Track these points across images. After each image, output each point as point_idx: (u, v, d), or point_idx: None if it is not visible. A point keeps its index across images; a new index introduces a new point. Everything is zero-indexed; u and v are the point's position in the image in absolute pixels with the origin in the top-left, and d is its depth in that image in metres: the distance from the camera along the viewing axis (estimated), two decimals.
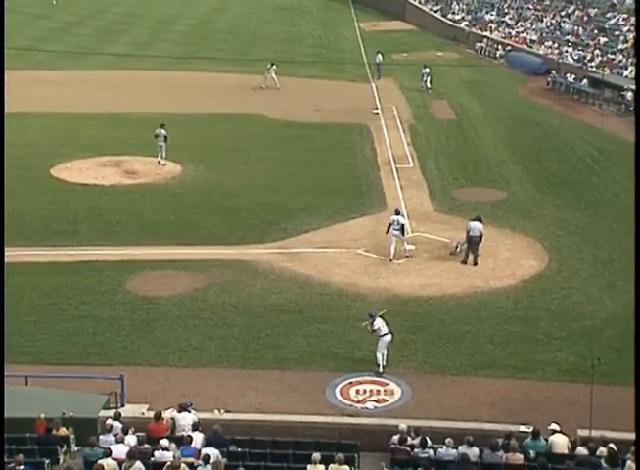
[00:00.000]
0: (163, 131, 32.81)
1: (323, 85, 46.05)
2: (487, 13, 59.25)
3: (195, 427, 15.38)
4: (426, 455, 14.79)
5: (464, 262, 24.69)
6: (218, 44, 57.20)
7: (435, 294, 23.05)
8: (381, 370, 19.31)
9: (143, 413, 16.86)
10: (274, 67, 45.53)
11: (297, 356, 20.08)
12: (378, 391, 18.76)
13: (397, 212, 25.67)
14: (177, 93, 43.37)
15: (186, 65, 49.54)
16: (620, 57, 45.10)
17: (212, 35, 61.05)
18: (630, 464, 14.25)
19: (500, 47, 52.88)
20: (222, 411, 17.12)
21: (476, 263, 24.61)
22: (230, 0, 76.31)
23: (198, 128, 37.92)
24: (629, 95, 40.11)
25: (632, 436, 15.22)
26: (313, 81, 46.77)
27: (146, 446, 14.74)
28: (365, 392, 18.74)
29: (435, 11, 63.06)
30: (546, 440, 15.28)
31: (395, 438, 15.33)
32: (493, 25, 56.56)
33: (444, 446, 14.92)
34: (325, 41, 58.99)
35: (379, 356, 19.37)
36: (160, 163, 32.87)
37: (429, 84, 44.78)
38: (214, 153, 34.64)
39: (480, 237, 24.71)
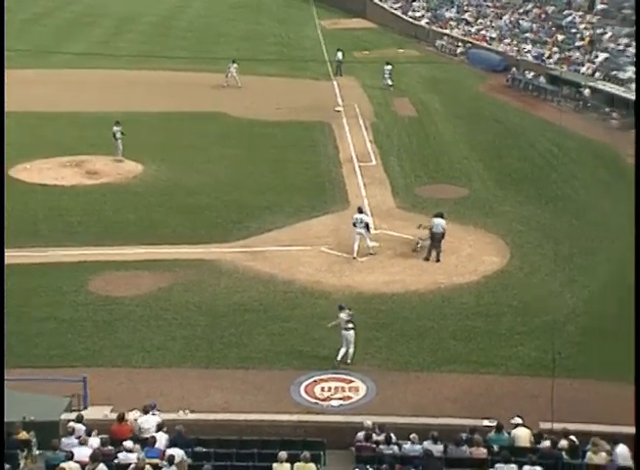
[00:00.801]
0: (115, 128, 32.73)
1: (285, 83, 46.00)
2: (447, 10, 59.59)
3: (159, 428, 15.31)
4: (390, 452, 14.89)
5: (427, 259, 24.84)
6: (180, 42, 56.87)
7: (399, 291, 23.17)
8: (339, 359, 19.39)
9: (106, 415, 16.72)
10: (235, 65, 45.40)
11: (261, 355, 20.07)
12: (342, 388, 18.80)
13: (360, 211, 25.77)
14: (138, 92, 43.06)
15: (147, 63, 49.17)
16: (577, 54, 45.67)
17: (174, 34, 60.67)
18: (590, 455, 14.50)
19: (460, 44, 53.26)
20: (187, 411, 17.05)
21: (438, 260, 24.77)
22: None
23: (159, 127, 37.69)
24: (587, 92, 40.66)
25: (592, 427, 15.55)
26: (275, 79, 46.69)
27: (109, 447, 14.64)
28: (330, 389, 18.78)
29: (396, 8, 63.28)
30: (509, 433, 15.47)
31: (360, 435, 15.43)
32: (453, 23, 56.94)
33: (409, 442, 15.05)
34: (286, 39, 58.91)
35: (341, 350, 19.47)
36: (118, 159, 32.78)
37: (390, 82, 44.96)
38: (176, 151, 34.45)
39: (443, 234, 24.89)
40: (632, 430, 15.64)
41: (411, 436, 15.13)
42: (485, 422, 16.04)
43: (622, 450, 14.53)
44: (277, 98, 42.36)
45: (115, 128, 32.94)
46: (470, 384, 18.87)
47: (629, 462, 14.41)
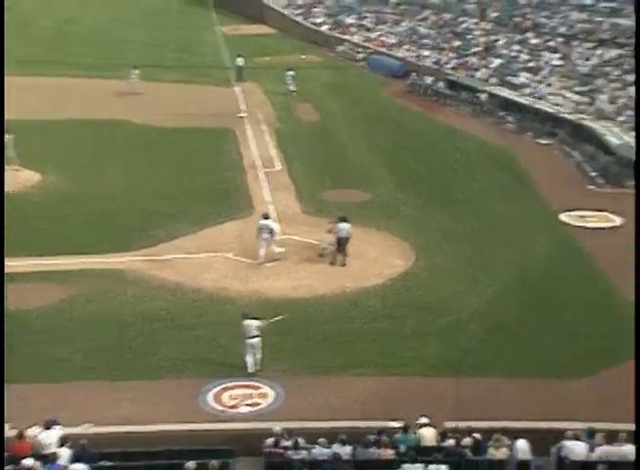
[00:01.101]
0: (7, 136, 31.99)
1: (187, 90, 45.65)
2: (347, 17, 60.27)
3: (62, 443, 14.95)
4: (299, 456, 14.94)
5: (333, 263, 25.05)
6: (79, 48, 55.72)
7: (306, 295, 23.26)
8: (250, 371, 19.35)
9: (5, 433, 16.19)
10: (137, 71, 44.82)
11: (168, 364, 19.81)
12: (251, 394, 18.77)
13: (266, 217, 25.80)
14: (37, 99, 41.95)
15: (46, 70, 48.01)
16: (474, 60, 46.90)
17: (73, 39, 59.42)
18: (492, 451, 14.93)
19: (361, 50, 53.93)
20: (91, 425, 16.68)
21: (344, 264, 24.99)
22: (91, 3, 74.48)
23: (59, 135, 36.81)
24: (483, 96, 41.79)
25: (495, 424, 15.98)
26: (176, 86, 46.27)
27: (8, 467, 14.17)
28: (238, 396, 18.71)
29: (297, 14, 63.67)
30: (415, 433, 15.75)
31: (269, 441, 15.42)
32: (353, 29, 57.65)
33: (317, 446, 15.13)
34: (187, 45, 58.45)
35: (248, 359, 19.41)
36: (14, 168, 31.94)
37: (293, 87, 45.14)
38: (77, 160, 33.73)
39: (348, 238, 25.14)
40: (532, 425, 16.29)
41: (319, 440, 15.23)
42: (392, 423, 16.24)
43: (522, 445, 15.04)
44: (180, 104, 42.00)
45: (5, 137, 31.99)
46: (377, 386, 19.06)
47: (528, 456, 14.93)
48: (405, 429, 15.79)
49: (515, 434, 15.33)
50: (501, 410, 17.22)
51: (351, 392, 18.82)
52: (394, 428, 16.00)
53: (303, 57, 54.10)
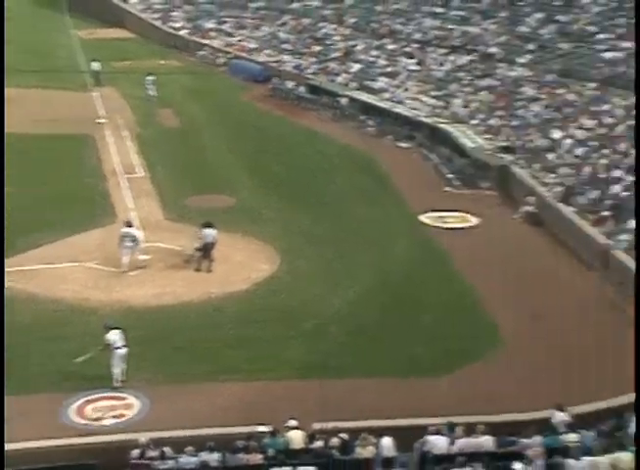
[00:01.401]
0: None
1: (40, 94, 44.18)
2: (207, 21, 59.97)
3: None
4: (166, 467, 14.78)
5: (198, 270, 24.88)
6: None
7: (170, 303, 23.00)
8: (116, 385, 18.96)
9: None
10: None
11: (26, 379, 19.10)
12: (115, 406, 18.38)
13: (129, 225, 25.36)
14: None
15: None
16: (334, 65, 47.62)
17: None
18: (359, 450, 15.24)
19: (221, 55, 53.80)
20: None
21: (210, 270, 24.88)
22: None
23: None
24: (344, 101, 42.54)
25: (361, 423, 16.30)
26: (29, 91, 44.67)
27: None
28: (102, 408, 18.28)
29: (155, 19, 62.81)
30: (284, 437, 15.85)
31: (135, 452, 15.18)
32: (213, 34, 57.42)
33: (184, 455, 15.01)
34: (40, 49, 56.51)
35: (115, 371, 19.01)
36: None
37: (153, 92, 44.50)
38: None
39: (214, 243, 25.03)
40: (397, 422, 16.72)
41: (187, 448, 15.10)
42: (260, 428, 16.29)
43: (387, 442, 15.42)
44: (33, 110, 40.62)
45: None
46: (243, 392, 19.00)
47: (393, 453, 15.32)
48: (273, 433, 15.89)
49: (380, 432, 15.70)
50: (366, 410, 17.55)
51: (217, 398, 18.72)
52: (263, 432, 16.05)
53: (163, 62, 53.40)
